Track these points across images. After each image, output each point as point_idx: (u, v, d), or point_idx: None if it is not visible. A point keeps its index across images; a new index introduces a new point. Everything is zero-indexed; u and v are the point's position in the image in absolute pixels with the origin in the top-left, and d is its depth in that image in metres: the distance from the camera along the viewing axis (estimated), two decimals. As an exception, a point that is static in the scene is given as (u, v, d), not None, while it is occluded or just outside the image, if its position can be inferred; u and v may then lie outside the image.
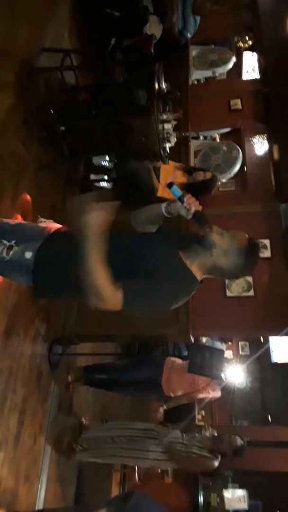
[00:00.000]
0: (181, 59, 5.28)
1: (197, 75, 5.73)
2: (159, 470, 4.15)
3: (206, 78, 5.90)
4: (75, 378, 3.63)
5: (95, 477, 3.98)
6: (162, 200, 3.95)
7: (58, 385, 3.44)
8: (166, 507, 2.27)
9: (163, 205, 1.75)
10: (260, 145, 5.40)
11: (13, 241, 1.66)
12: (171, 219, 1.83)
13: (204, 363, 3.17)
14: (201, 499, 4.90)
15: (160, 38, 4.44)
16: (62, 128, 3.21)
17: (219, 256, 1.61)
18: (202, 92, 5.44)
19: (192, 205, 1.64)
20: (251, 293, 3.69)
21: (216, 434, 3.40)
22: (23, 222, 1.88)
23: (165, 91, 3.26)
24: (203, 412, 3.77)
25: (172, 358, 3.66)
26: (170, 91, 3.29)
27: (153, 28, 4.38)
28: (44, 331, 3.33)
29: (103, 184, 4.03)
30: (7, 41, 3.05)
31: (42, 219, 1.86)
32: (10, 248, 1.66)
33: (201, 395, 3.47)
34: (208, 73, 5.68)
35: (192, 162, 4.88)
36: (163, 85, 3.24)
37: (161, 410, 3.52)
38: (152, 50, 3.60)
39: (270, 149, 4.91)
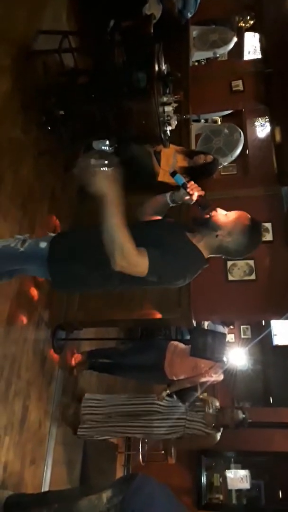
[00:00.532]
0: (181, 39, 5.17)
1: (197, 56, 5.61)
2: (162, 452, 4.22)
3: (207, 59, 5.78)
4: (78, 363, 3.67)
5: (100, 459, 4.06)
6: (163, 184, 3.97)
7: (62, 369, 3.48)
8: (170, 488, 2.31)
9: (167, 194, 1.83)
10: (262, 127, 5.33)
11: (27, 235, 1.78)
12: (173, 208, 1.91)
13: (206, 347, 3.18)
14: (204, 479, 4.98)
15: (159, 18, 4.34)
16: (61, 112, 3.18)
17: (224, 237, 1.69)
18: (203, 74, 5.35)
19: (195, 191, 1.72)
20: (253, 276, 3.69)
21: (218, 405, 3.45)
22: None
23: (165, 72, 3.20)
24: (205, 394, 3.80)
25: (175, 342, 3.69)
26: (170, 72, 3.23)
27: (153, 8, 4.28)
28: (47, 317, 3.36)
29: (104, 169, 3.98)
30: (3, 23, 2.99)
31: (51, 234, 1.91)
32: (24, 241, 1.75)
33: (203, 379, 3.50)
34: (209, 54, 5.56)
35: (193, 145, 4.82)
36: (163, 67, 3.18)
37: (164, 394, 3.56)
38: (152, 31, 3.52)
39: (272, 131, 4.85)
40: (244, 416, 3.29)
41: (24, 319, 3.00)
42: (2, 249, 1.77)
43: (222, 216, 1.71)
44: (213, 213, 1.70)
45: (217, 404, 3.45)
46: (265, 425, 4.83)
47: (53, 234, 1.87)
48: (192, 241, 1.72)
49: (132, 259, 1.50)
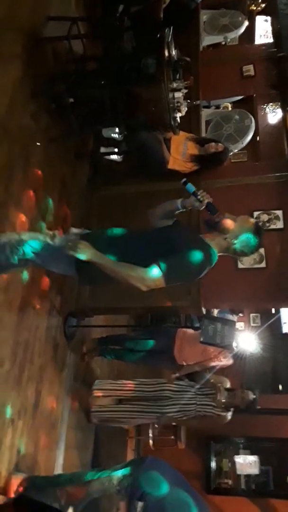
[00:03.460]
0: (191, 24, 5.07)
1: (208, 40, 5.52)
2: (172, 437, 4.28)
3: (217, 44, 5.68)
4: (90, 349, 3.72)
5: (111, 443, 4.13)
6: (173, 171, 3.94)
7: (73, 355, 3.53)
8: (179, 472, 2.35)
9: (178, 200, 2.05)
10: (273, 113, 5.25)
11: (56, 231, 1.94)
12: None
13: (216, 333, 3.20)
14: (213, 464, 5.05)
15: (169, 2, 4.27)
16: (71, 99, 3.16)
17: (232, 239, 1.93)
18: (214, 59, 5.26)
19: (205, 197, 1.95)
20: (263, 264, 3.67)
21: (229, 385, 3.48)
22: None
23: (175, 58, 3.16)
24: (214, 376, 3.84)
25: (184, 329, 3.71)
26: (180, 58, 3.19)
27: (162, -8, 4.19)
28: (58, 305, 3.39)
29: (114, 156, 3.98)
30: (12, 10, 2.96)
31: (74, 229, 2.06)
32: (54, 236, 1.91)
33: (213, 363, 3.54)
34: (220, 38, 5.46)
35: (203, 132, 4.78)
36: (173, 52, 3.14)
37: (173, 377, 3.60)
38: (161, 16, 3.47)
39: (284, 117, 4.77)
40: (254, 397, 3.32)
41: (37, 306, 3.04)
42: (33, 241, 1.91)
43: (229, 221, 1.93)
44: (221, 217, 1.93)
45: (228, 384, 3.49)
46: (274, 411, 4.86)
47: (75, 230, 2.03)
48: (205, 240, 1.94)
49: (149, 279, 1.77)
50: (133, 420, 3.63)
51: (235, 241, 1.93)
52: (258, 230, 1.96)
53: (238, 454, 5.09)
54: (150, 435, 4.01)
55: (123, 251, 1.89)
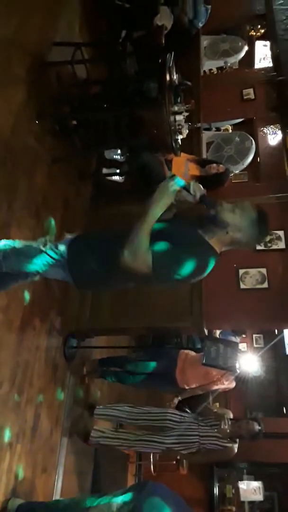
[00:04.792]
0: (192, 49, 5.21)
1: (208, 65, 5.65)
2: (174, 462, 4.18)
3: (218, 68, 5.81)
4: (90, 371, 3.67)
5: (111, 468, 4.03)
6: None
7: (73, 377, 3.48)
8: (181, 498, 2.28)
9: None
10: (273, 135, 5.32)
11: (48, 237, 1.86)
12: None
13: (218, 355, 3.16)
14: (216, 490, 4.92)
15: (170, 28, 4.39)
16: (74, 122, 3.21)
17: (234, 232, 1.74)
18: (214, 82, 5.37)
19: (197, 191, 1.78)
20: (265, 285, 3.65)
21: (231, 416, 3.41)
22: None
23: (177, 82, 3.23)
24: (217, 404, 3.78)
25: (186, 351, 3.67)
26: (181, 82, 3.26)
27: (164, 19, 4.32)
28: (59, 325, 3.36)
29: (115, 177, 4.02)
30: (18, 34, 3.05)
31: (69, 235, 1.96)
32: (45, 243, 1.83)
33: (215, 386, 3.48)
34: (220, 63, 5.59)
35: (205, 153, 4.83)
36: (175, 76, 3.21)
37: (176, 400, 3.53)
38: (163, 41, 3.56)
39: (284, 138, 4.84)
40: (260, 428, 3.25)
41: (37, 327, 3.01)
42: (24, 248, 1.86)
43: (228, 213, 1.73)
44: (219, 209, 1.74)
45: (231, 415, 3.41)
46: (278, 435, 4.76)
47: (70, 236, 1.93)
48: (204, 238, 1.76)
49: (139, 259, 1.61)
50: (132, 447, 3.54)
51: (238, 234, 1.74)
52: (261, 217, 1.76)
53: (241, 479, 4.96)
54: (151, 460, 3.91)
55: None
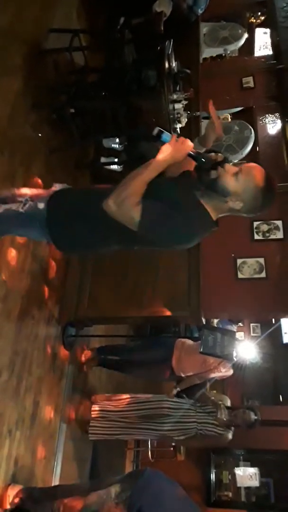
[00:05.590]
0: (191, 36, 5.14)
1: (208, 52, 5.58)
2: (172, 448, 4.24)
3: (217, 56, 5.75)
4: (88, 359, 3.70)
5: (109, 455, 4.09)
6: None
7: (72, 366, 3.51)
8: (178, 484, 2.32)
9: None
10: (272, 124, 5.28)
11: (28, 197, 1.72)
12: None
13: (216, 344, 3.19)
14: (213, 476, 4.99)
15: (169, 15, 4.33)
16: (72, 110, 3.19)
17: (235, 203, 1.54)
18: (214, 70, 5.32)
19: (186, 146, 1.56)
20: (263, 275, 3.66)
21: (229, 404, 3.45)
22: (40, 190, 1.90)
23: (175, 70, 3.20)
24: (214, 391, 3.82)
25: (183, 339, 3.69)
26: (180, 70, 3.23)
27: (162, 5, 4.26)
28: (57, 314, 3.39)
29: (114, 167, 4.00)
30: (14, 23, 3.02)
31: (57, 184, 1.87)
32: (25, 203, 1.69)
33: (212, 374, 3.51)
34: (220, 51, 5.53)
35: (203, 143, 4.80)
36: (173, 64, 3.18)
37: (174, 391, 3.57)
38: (162, 28, 3.51)
39: (283, 128, 4.80)
40: (256, 417, 3.29)
41: (35, 316, 3.03)
42: (4, 212, 1.73)
43: (231, 179, 1.51)
44: (221, 172, 1.52)
45: (228, 402, 3.45)
46: (274, 423, 4.81)
47: (58, 185, 1.84)
48: (200, 202, 1.57)
49: (125, 206, 1.46)
50: (130, 436, 3.59)
51: (239, 205, 1.53)
52: (269, 185, 1.52)
53: (238, 466, 5.03)
54: (149, 446, 3.97)
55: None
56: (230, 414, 3.33)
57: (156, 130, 1.57)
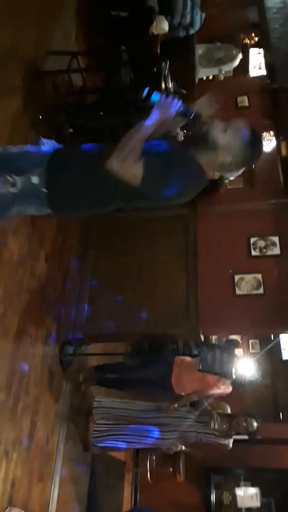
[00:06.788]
0: (187, 57, 5.26)
1: (203, 73, 5.70)
2: (171, 469, 4.17)
3: (213, 76, 5.87)
4: (86, 378, 3.66)
5: (108, 476, 4.01)
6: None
7: (69, 385, 3.47)
8: (178, 506, 2.28)
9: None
10: (267, 142, 5.36)
11: (14, 176, 1.66)
12: None
13: (215, 361, 3.17)
14: (213, 497, 4.89)
15: (166, 36, 4.43)
16: (70, 130, 3.23)
17: (225, 155, 1.62)
18: (209, 90, 5.42)
19: (173, 104, 1.60)
20: (261, 291, 3.67)
21: (229, 411, 3.42)
22: (26, 146, 1.85)
23: (172, 90, 3.26)
24: (211, 402, 3.77)
25: (181, 357, 3.66)
26: (176, 90, 3.30)
27: (159, 28, 4.36)
28: (55, 331, 3.36)
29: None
30: (15, 44, 3.07)
31: (45, 140, 1.85)
32: (13, 184, 1.65)
33: (212, 391, 3.48)
34: (215, 71, 5.65)
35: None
36: (170, 85, 3.24)
37: (172, 408, 3.53)
38: (159, 50, 3.59)
39: (278, 145, 4.88)
40: (257, 425, 3.27)
41: (33, 334, 3.01)
42: None
43: (220, 133, 1.61)
44: (210, 127, 1.62)
45: (228, 410, 3.42)
46: (275, 441, 4.75)
47: (45, 140, 1.83)
48: (195, 158, 1.64)
49: (127, 164, 1.52)
50: (129, 445, 3.55)
51: (229, 158, 1.61)
52: (255, 137, 1.63)
53: (239, 486, 4.94)
54: (148, 467, 3.90)
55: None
56: (231, 422, 3.30)
57: (145, 91, 1.65)
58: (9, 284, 2.75)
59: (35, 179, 1.65)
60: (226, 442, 3.27)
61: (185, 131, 1.79)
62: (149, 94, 1.62)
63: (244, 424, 3.25)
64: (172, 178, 1.58)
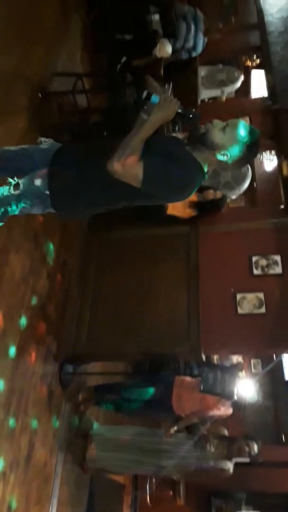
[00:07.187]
0: (190, 79, 5.36)
1: (206, 94, 5.80)
2: (171, 492, 4.08)
3: (214, 98, 5.97)
4: (85, 398, 3.61)
5: (106, 499, 3.92)
6: (171, 217, 3.99)
7: (69, 404, 3.43)
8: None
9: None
10: (269, 161, 5.42)
11: (16, 179, 1.69)
12: None
13: (216, 382, 3.13)
14: (214, 522, 4.79)
15: (169, 59, 4.53)
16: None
17: (222, 154, 1.64)
18: (211, 111, 5.50)
19: (173, 104, 1.63)
20: (263, 310, 3.65)
21: (226, 434, 3.35)
22: (25, 146, 1.86)
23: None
24: (208, 426, 3.70)
25: (182, 377, 3.62)
26: (178, 112, 3.34)
27: (163, 51, 4.46)
28: (55, 350, 3.34)
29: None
30: (21, 65, 3.14)
31: (43, 139, 1.86)
32: (16, 185, 1.68)
33: (212, 413, 3.43)
34: (217, 92, 5.75)
35: (202, 180, 4.90)
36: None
37: (172, 431, 3.47)
38: (162, 72, 3.66)
39: (280, 165, 4.92)
40: (257, 446, 3.20)
41: (33, 352, 2.99)
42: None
43: (218, 133, 1.64)
44: (209, 127, 1.65)
45: (226, 433, 3.36)
46: (277, 464, 4.66)
47: (44, 139, 1.83)
48: (192, 155, 1.67)
49: (128, 165, 1.55)
50: (128, 470, 3.47)
51: (227, 157, 1.64)
52: (253, 137, 1.65)
53: (240, 510, 4.84)
54: (148, 490, 3.82)
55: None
56: (230, 445, 3.23)
57: (145, 93, 1.67)
58: (10, 302, 2.74)
59: (38, 181, 1.68)
60: (226, 467, 3.19)
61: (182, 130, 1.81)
62: (148, 96, 1.66)
63: (245, 447, 3.19)
64: (172, 176, 1.61)
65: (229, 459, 3.21)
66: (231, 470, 3.23)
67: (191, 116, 1.66)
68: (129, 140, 1.58)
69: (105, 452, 3.36)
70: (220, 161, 1.66)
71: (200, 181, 1.71)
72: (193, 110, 1.69)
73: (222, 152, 1.63)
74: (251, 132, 1.64)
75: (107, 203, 1.79)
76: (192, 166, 1.65)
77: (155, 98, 1.65)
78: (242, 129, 1.63)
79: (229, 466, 3.21)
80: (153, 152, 1.61)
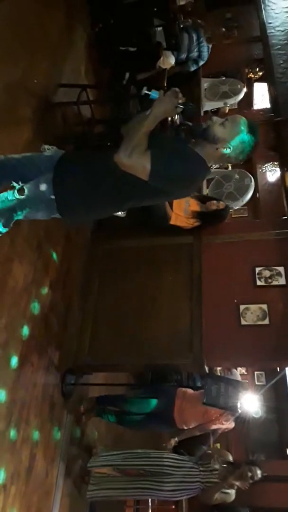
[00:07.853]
0: (193, 91, 5.41)
1: (209, 106, 5.85)
2: (173, 506, 4.01)
3: (217, 109, 6.01)
4: (87, 409, 3.58)
5: (108, 512, 3.85)
6: (174, 227, 3.99)
7: (70, 416, 3.39)
8: None
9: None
10: (272, 172, 5.44)
11: (20, 183, 1.70)
12: None
13: (219, 394, 3.09)
14: (217, 537, 4.68)
15: (174, 70, 4.58)
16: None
17: (225, 148, 1.70)
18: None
19: (172, 99, 1.67)
20: (266, 321, 3.62)
21: (231, 460, 3.29)
22: (29, 153, 1.88)
23: (178, 122, 3.34)
24: (218, 445, 3.65)
25: (184, 389, 3.58)
26: (182, 122, 3.36)
27: (166, 62, 4.51)
28: (57, 361, 3.31)
29: (118, 213, 4.07)
30: (26, 76, 3.17)
31: (46, 146, 1.88)
32: (21, 190, 1.69)
33: (214, 426, 3.38)
34: (220, 104, 5.79)
35: (205, 190, 4.92)
36: (176, 117, 3.32)
37: (172, 442, 3.42)
38: (165, 84, 3.70)
39: (282, 176, 4.93)
40: (260, 471, 3.13)
41: (35, 363, 2.97)
42: (5, 205, 1.71)
43: (219, 127, 1.70)
44: (210, 123, 1.72)
45: (230, 458, 3.29)
46: (281, 479, 4.59)
47: (47, 146, 1.87)
48: (195, 151, 1.72)
49: (135, 156, 1.59)
50: (129, 496, 3.40)
51: (229, 150, 1.70)
52: (252, 129, 1.72)
53: (243, 526, 4.74)
54: (150, 504, 3.75)
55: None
56: (233, 470, 3.16)
57: (144, 90, 1.71)
58: (13, 311, 2.74)
59: (43, 187, 1.69)
60: (230, 491, 3.12)
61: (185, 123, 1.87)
62: (148, 93, 1.70)
63: (249, 473, 3.12)
64: (179, 169, 1.65)
65: (232, 486, 3.14)
66: (233, 497, 3.15)
67: (190, 106, 1.74)
68: (133, 134, 1.62)
69: (104, 490, 3.29)
70: (222, 156, 1.72)
71: (204, 175, 1.78)
72: (191, 104, 1.75)
73: (224, 146, 1.70)
74: (250, 126, 1.72)
75: (114, 204, 1.82)
76: (196, 161, 1.71)
77: (155, 94, 1.70)
78: (241, 123, 1.71)
79: (232, 492, 3.14)
80: (159, 146, 1.65)
